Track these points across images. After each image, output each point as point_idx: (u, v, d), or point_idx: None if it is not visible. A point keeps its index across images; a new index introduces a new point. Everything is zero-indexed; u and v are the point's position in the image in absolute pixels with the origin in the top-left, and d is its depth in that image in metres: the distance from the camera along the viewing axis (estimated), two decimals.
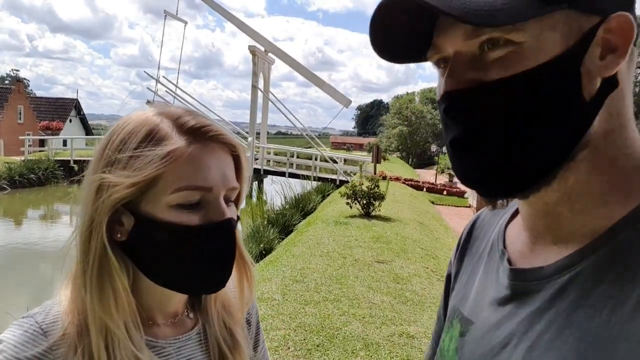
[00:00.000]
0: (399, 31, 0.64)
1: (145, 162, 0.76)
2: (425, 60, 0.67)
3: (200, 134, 0.81)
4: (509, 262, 0.71)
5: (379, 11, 0.61)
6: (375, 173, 14.79)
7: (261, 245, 9.26)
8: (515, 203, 0.77)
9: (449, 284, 0.91)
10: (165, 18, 28.13)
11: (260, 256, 8.81)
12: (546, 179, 0.60)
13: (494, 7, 0.53)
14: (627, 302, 0.51)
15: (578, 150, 0.59)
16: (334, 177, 22.76)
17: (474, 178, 0.63)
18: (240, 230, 0.91)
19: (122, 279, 0.79)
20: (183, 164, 0.77)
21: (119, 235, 0.79)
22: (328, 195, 17.76)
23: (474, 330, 0.72)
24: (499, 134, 0.58)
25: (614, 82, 0.59)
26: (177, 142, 0.78)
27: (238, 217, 0.87)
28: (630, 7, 0.59)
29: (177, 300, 0.91)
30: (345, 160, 25.01)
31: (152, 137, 0.78)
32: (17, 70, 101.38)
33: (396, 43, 0.65)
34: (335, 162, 23.85)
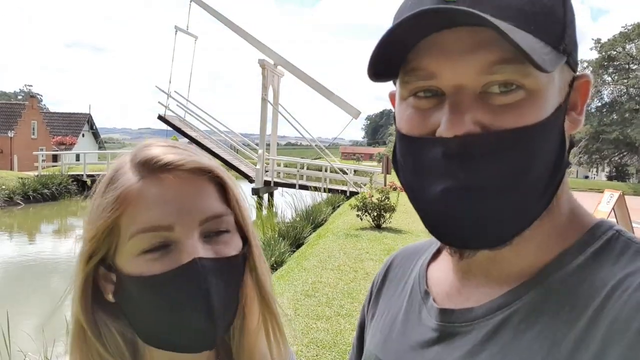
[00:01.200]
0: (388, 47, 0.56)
1: (100, 211, 0.68)
2: (390, 79, 0.61)
3: (149, 167, 0.69)
4: (435, 302, 0.68)
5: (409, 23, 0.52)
6: (385, 184, 14.76)
7: (272, 259, 9.23)
8: (435, 243, 0.77)
9: (362, 330, 0.86)
10: (176, 33, 28.43)
11: (272, 269, 8.80)
12: (524, 231, 0.58)
13: (533, 48, 0.50)
14: (564, 343, 0.51)
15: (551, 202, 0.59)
16: (344, 188, 22.73)
17: (462, 229, 0.57)
18: (263, 270, 0.79)
19: (100, 348, 0.71)
20: (134, 204, 0.67)
21: (110, 296, 0.71)
22: (338, 206, 17.75)
23: None
24: (503, 187, 0.55)
25: (572, 140, 0.60)
26: (127, 181, 0.68)
27: (244, 248, 0.74)
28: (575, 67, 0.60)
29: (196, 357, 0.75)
30: (355, 171, 25.00)
31: (110, 181, 0.70)
32: (30, 86, 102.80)
33: (380, 60, 0.57)
34: (345, 173, 23.86)
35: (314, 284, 6.41)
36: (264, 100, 24.88)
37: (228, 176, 0.74)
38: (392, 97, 0.67)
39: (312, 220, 14.09)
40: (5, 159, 32.05)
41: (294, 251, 10.42)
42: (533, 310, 0.56)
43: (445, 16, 0.51)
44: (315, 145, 27.09)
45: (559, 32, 0.55)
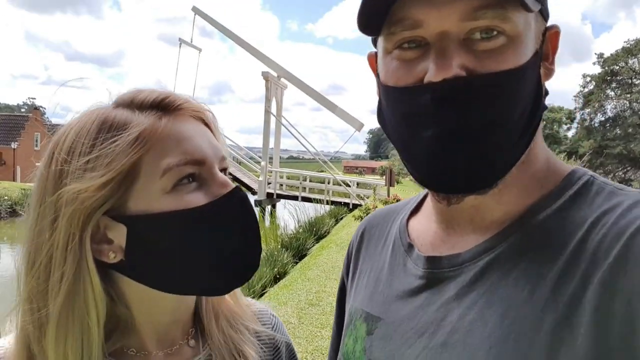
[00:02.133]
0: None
1: (113, 155, 0.63)
2: (377, 34, 0.62)
3: (166, 106, 0.69)
4: (420, 252, 0.71)
5: None
6: (388, 196, 14.72)
7: (275, 270, 9.19)
8: (414, 199, 0.82)
9: (344, 291, 0.89)
10: (180, 46, 28.67)
11: (274, 280, 8.75)
12: (506, 175, 0.60)
13: None
14: (547, 278, 0.55)
15: (529, 147, 0.62)
16: (347, 200, 22.69)
17: (452, 173, 0.59)
18: None
19: (101, 313, 0.66)
20: (161, 141, 0.65)
21: (112, 255, 0.66)
22: (341, 218, 17.70)
23: (383, 326, 0.70)
24: (489, 129, 0.56)
25: (546, 89, 0.63)
26: (143, 121, 0.66)
27: None
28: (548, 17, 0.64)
29: (176, 326, 0.77)
30: (357, 183, 24.97)
31: (108, 128, 0.65)
32: (34, 99, 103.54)
33: (367, 11, 0.59)
34: (348, 185, 23.82)
35: (318, 293, 6.34)
36: (267, 112, 24.98)
37: (216, 124, 0.76)
38: (371, 57, 0.70)
39: (315, 231, 14.04)
40: (8, 170, 32.16)
41: (297, 262, 10.35)
42: (518, 251, 0.59)
43: None
44: (319, 159, 27.13)
45: None
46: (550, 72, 0.64)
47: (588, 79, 45.05)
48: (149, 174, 0.64)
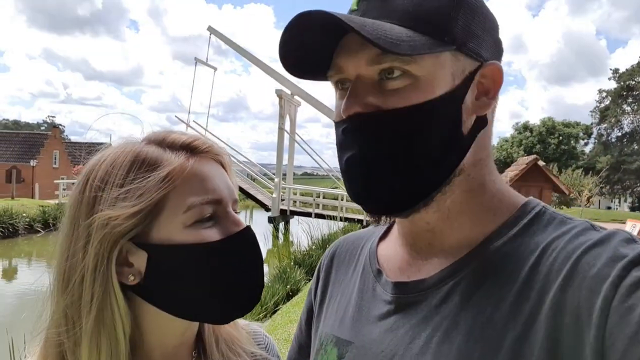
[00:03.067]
0: (308, 48, 0.67)
1: (144, 188, 0.71)
2: (325, 79, 0.72)
3: (194, 149, 0.77)
4: (388, 277, 0.75)
5: (294, 27, 0.64)
6: None
7: (288, 287, 9.18)
8: (384, 225, 0.86)
9: (311, 315, 0.92)
10: (195, 65, 29.10)
11: (287, 297, 8.74)
12: (425, 201, 0.66)
13: (399, 38, 0.60)
14: (506, 299, 0.60)
15: (454, 176, 0.67)
16: (360, 217, 22.58)
17: (363, 195, 0.67)
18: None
19: (127, 327, 0.73)
20: (187, 180, 0.73)
21: (131, 278, 0.72)
22: None
23: (353, 350, 0.74)
24: (390, 158, 0.64)
25: (485, 120, 0.69)
26: (173, 160, 0.74)
27: None
28: (499, 58, 0.71)
29: (181, 348, 0.83)
30: None
31: (141, 164, 0.73)
32: (53, 117, 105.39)
33: (303, 59, 0.69)
34: None
35: None
36: (281, 129, 25.14)
37: (231, 168, 0.84)
38: None
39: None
40: (27, 188, 32.65)
41: (310, 279, 10.31)
42: (479, 275, 0.65)
43: (317, 20, 0.62)
44: (332, 175, 27.14)
45: (443, 25, 0.63)
46: (487, 106, 0.69)
47: (604, 94, 44.62)
48: (173, 208, 0.72)
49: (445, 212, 0.69)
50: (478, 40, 0.67)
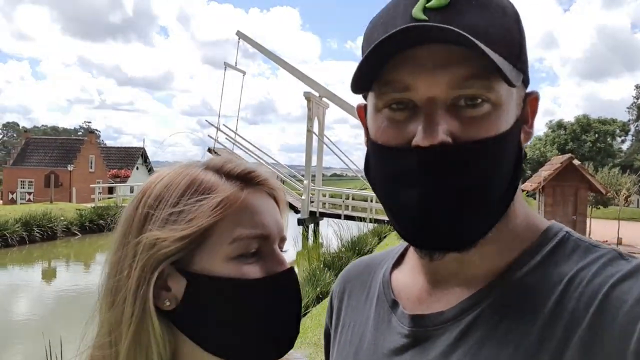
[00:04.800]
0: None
1: (196, 213, 0.69)
2: (367, 92, 0.65)
3: (249, 180, 0.75)
4: (404, 309, 0.71)
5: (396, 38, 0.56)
6: None
7: (317, 289, 9.18)
8: (395, 250, 0.82)
9: (329, 340, 0.89)
10: (225, 69, 29.47)
11: (317, 300, 8.74)
12: (488, 234, 0.62)
13: (504, 67, 0.55)
14: (530, 336, 0.57)
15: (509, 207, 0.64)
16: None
17: (435, 232, 0.61)
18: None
19: (163, 351, 0.71)
20: (238, 211, 0.71)
21: (167, 303, 0.70)
22: (385, 237, 17.51)
23: None
24: (470, 192, 0.59)
25: (525, 151, 0.66)
26: (227, 189, 0.72)
27: None
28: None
29: None
30: None
31: (196, 188, 0.72)
32: (89, 122, 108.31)
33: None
34: None
35: None
36: (309, 131, 25.23)
37: (285, 204, 0.81)
38: (360, 109, 0.72)
39: (358, 250, 13.92)
40: (64, 192, 33.64)
41: None
42: (500, 308, 0.61)
43: (422, 33, 0.55)
44: (361, 176, 27.07)
45: (517, 52, 0.61)
46: (529, 135, 0.67)
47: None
48: (219, 237, 0.70)
49: (482, 242, 0.63)
50: (527, 65, 0.64)
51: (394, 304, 0.73)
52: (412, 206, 0.60)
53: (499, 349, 0.58)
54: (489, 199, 0.60)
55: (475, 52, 0.53)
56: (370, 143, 0.66)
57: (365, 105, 0.69)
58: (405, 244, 0.76)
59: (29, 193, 36.28)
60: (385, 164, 0.63)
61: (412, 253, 0.76)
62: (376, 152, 0.65)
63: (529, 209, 0.70)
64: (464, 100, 0.58)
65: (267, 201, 0.76)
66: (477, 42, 0.53)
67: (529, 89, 0.67)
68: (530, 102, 0.66)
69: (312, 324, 6.18)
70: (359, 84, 0.62)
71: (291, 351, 0.88)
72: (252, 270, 0.71)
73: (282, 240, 0.77)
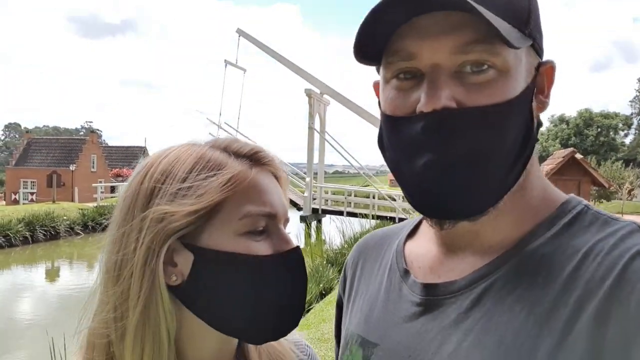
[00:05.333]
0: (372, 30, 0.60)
1: (206, 188, 0.69)
2: (376, 63, 0.66)
3: (257, 159, 0.76)
4: (416, 278, 0.72)
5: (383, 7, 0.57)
6: None
7: (321, 285, 9.18)
8: (411, 222, 0.83)
9: (341, 311, 0.90)
10: (225, 66, 29.42)
11: (320, 296, 8.74)
12: (499, 203, 0.63)
13: (508, 29, 0.56)
14: (542, 305, 0.56)
15: (521, 176, 0.64)
16: (392, 215, 22.46)
17: (442, 200, 0.61)
18: None
19: (171, 326, 0.70)
20: (247, 189, 0.71)
21: (174, 278, 0.70)
22: None
23: (379, 352, 0.71)
24: (477, 159, 0.59)
25: (540, 121, 0.66)
26: (236, 167, 0.72)
27: None
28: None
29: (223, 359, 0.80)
30: (403, 197, 24.67)
31: (204, 164, 0.71)
32: (91, 122, 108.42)
33: (365, 42, 0.62)
34: (393, 199, 23.60)
35: None
36: (311, 128, 25.20)
37: (286, 186, 0.81)
38: (375, 86, 0.72)
39: None
40: (66, 191, 33.71)
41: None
42: (512, 278, 0.61)
43: (423, 0, 0.56)
44: (363, 173, 27.06)
45: (524, 17, 0.60)
46: (544, 105, 0.66)
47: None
48: (228, 214, 0.70)
49: (492, 212, 0.64)
50: (541, 34, 0.64)
51: (406, 273, 0.74)
52: (419, 173, 0.61)
53: (510, 317, 0.58)
54: (495, 167, 0.60)
55: (475, 16, 0.54)
56: (381, 115, 0.67)
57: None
58: (421, 216, 0.76)
59: (32, 193, 36.34)
60: (393, 134, 0.64)
61: (426, 224, 0.76)
62: (386, 123, 0.66)
63: (546, 181, 0.69)
64: (469, 66, 0.58)
65: (273, 181, 0.77)
66: (475, 4, 0.53)
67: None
68: (545, 72, 0.66)
69: (316, 319, 6.18)
70: (361, 51, 0.63)
71: (295, 333, 0.91)
72: (260, 247, 0.71)
73: (286, 220, 0.77)
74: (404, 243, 0.81)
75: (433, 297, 0.68)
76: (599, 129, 49.87)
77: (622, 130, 52.63)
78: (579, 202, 0.66)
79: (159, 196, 0.70)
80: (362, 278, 0.85)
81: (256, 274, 0.70)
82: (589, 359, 0.51)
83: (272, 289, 0.72)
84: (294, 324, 0.76)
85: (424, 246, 0.76)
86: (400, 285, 0.74)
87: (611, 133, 50.83)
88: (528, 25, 0.61)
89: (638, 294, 0.51)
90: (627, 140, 53.54)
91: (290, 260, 0.74)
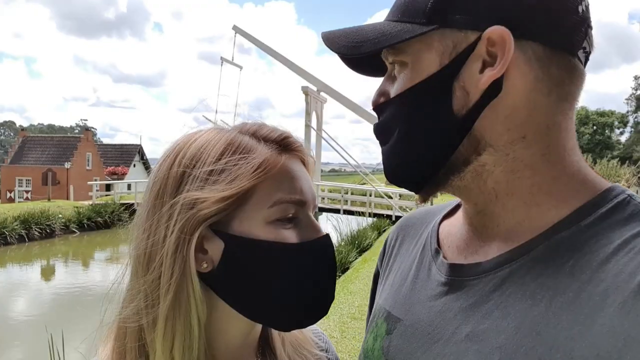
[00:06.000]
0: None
1: (237, 174, 0.68)
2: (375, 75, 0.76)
3: (287, 145, 0.75)
4: (445, 258, 0.74)
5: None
6: (432, 204, 14.45)
7: None
8: (453, 201, 0.84)
9: (376, 284, 0.93)
10: (222, 64, 29.37)
11: None
12: (436, 180, 0.67)
13: (374, 36, 0.65)
14: (565, 294, 0.55)
15: (470, 155, 0.64)
16: (389, 212, 22.49)
17: (389, 171, 0.71)
18: None
19: (201, 314, 0.70)
20: (278, 175, 0.70)
21: (205, 266, 0.69)
22: (384, 231, 17.55)
23: (401, 327, 0.73)
24: (394, 141, 0.68)
25: (497, 89, 0.61)
26: (267, 152, 0.71)
27: None
28: (509, 22, 0.60)
29: (246, 350, 0.80)
30: (400, 195, 24.70)
31: (235, 149, 0.70)
32: (86, 120, 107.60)
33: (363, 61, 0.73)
34: (390, 197, 23.62)
35: (360, 307, 6.29)
36: (307, 126, 25.18)
37: (312, 172, 0.80)
38: None
39: (358, 244, 13.96)
40: (62, 189, 33.55)
41: (340, 276, 10.31)
42: (538, 264, 0.60)
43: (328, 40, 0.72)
44: (360, 171, 27.08)
45: (415, 9, 0.63)
46: (489, 77, 0.61)
47: None
48: (259, 201, 0.69)
49: (491, 193, 0.65)
50: (465, 11, 0.61)
51: (436, 252, 0.76)
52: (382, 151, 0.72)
53: (532, 304, 0.57)
54: (412, 146, 0.67)
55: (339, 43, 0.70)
56: None
57: None
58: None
59: (27, 191, 36.23)
60: None
61: (463, 205, 0.76)
62: None
63: (587, 168, 0.66)
64: (394, 66, 0.69)
65: (301, 167, 0.75)
66: (343, 47, 0.68)
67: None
68: (491, 41, 0.60)
69: None
70: (359, 69, 0.78)
71: (314, 326, 0.90)
72: (290, 235, 0.70)
73: (314, 207, 0.76)
74: (440, 222, 0.82)
75: (458, 277, 0.68)
76: (595, 127, 50.04)
77: (618, 129, 52.84)
78: (623, 191, 0.62)
79: (189, 182, 0.68)
80: (399, 255, 0.88)
81: (286, 261, 0.70)
82: (607, 354, 0.49)
83: (302, 277, 0.71)
84: (323, 312, 0.75)
85: (456, 226, 0.77)
86: (430, 265, 0.76)
87: (607, 131, 51.02)
88: (425, 13, 0.62)
89: None
90: (623, 138, 53.76)
91: (320, 248, 0.73)
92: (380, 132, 0.71)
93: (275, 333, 0.84)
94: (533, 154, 0.63)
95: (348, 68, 0.76)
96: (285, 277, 0.70)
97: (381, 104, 0.70)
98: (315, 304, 0.73)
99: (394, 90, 0.67)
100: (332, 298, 0.76)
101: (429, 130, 0.65)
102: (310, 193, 0.74)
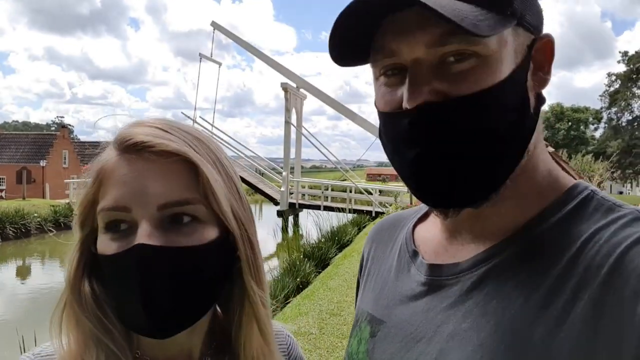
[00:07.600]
0: (351, 31, 0.62)
1: (85, 185, 0.70)
2: (365, 63, 0.67)
3: (121, 145, 0.68)
4: (423, 258, 0.74)
5: (351, 10, 0.59)
6: (411, 203, 14.59)
7: (298, 280, 9.18)
8: (421, 209, 0.84)
9: (359, 289, 0.92)
10: (200, 60, 29.08)
11: (297, 290, 8.74)
12: (500, 188, 0.62)
13: (474, 16, 0.54)
14: (540, 290, 0.57)
15: (522, 159, 0.63)
16: (369, 208, 22.59)
17: (438, 191, 0.63)
18: (249, 263, 0.74)
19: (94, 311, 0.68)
20: (106, 180, 0.67)
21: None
22: (364, 227, 17.60)
23: (385, 329, 0.73)
24: (469, 149, 0.59)
25: (543, 97, 0.64)
26: (106, 156, 0.69)
27: (215, 240, 0.68)
28: (538, 28, 0.64)
29: (185, 341, 0.74)
30: (380, 191, 24.81)
31: (96, 159, 0.70)
32: (62, 117, 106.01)
33: (345, 44, 0.64)
34: (370, 193, 23.72)
35: (339, 303, 6.31)
36: (287, 123, 25.11)
37: (208, 161, 0.69)
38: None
39: (338, 240, 13.97)
40: (37, 188, 32.88)
41: (320, 272, 10.31)
42: (514, 262, 0.61)
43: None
44: (340, 167, 27.12)
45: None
46: (545, 82, 0.64)
47: (613, 77, 44.13)
48: (99, 210, 0.67)
49: (496, 197, 0.64)
50: (532, 10, 0.63)
51: (414, 254, 0.76)
52: (413, 167, 0.62)
53: (508, 301, 0.59)
54: (491, 152, 0.60)
55: (426, 8, 0.53)
56: (377, 110, 0.68)
57: None
58: None
59: (0, 190, 35.43)
60: (386, 129, 0.66)
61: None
62: (380, 119, 0.67)
63: (553, 164, 0.68)
64: (452, 57, 0.58)
65: (137, 168, 0.66)
66: (434, 7, 0.52)
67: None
68: (542, 47, 0.64)
69: (292, 313, 6.17)
70: (342, 52, 0.65)
71: (277, 324, 0.88)
72: (110, 246, 0.65)
73: (176, 205, 0.65)
74: (414, 226, 0.83)
75: (437, 277, 0.69)
76: (570, 123, 50.91)
77: (592, 124, 53.85)
78: (586, 187, 0.65)
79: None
80: (375, 259, 0.88)
81: (108, 274, 0.67)
82: (582, 347, 0.51)
83: (119, 291, 0.66)
84: (172, 326, 0.67)
85: (430, 230, 0.78)
86: (409, 266, 0.76)
87: (582, 127, 51.97)
88: (510, 5, 0.58)
89: (633, 282, 0.50)
90: (597, 134, 54.81)
91: (126, 260, 0.63)
92: (443, 137, 0.59)
93: (246, 351, 0.76)
94: (537, 155, 0.66)
95: (333, 47, 0.64)
96: (110, 291, 0.68)
97: (447, 104, 0.58)
98: (141, 321, 0.64)
99: (463, 87, 0.58)
100: (186, 312, 0.67)
101: (512, 132, 0.61)
102: (137, 196, 0.64)
